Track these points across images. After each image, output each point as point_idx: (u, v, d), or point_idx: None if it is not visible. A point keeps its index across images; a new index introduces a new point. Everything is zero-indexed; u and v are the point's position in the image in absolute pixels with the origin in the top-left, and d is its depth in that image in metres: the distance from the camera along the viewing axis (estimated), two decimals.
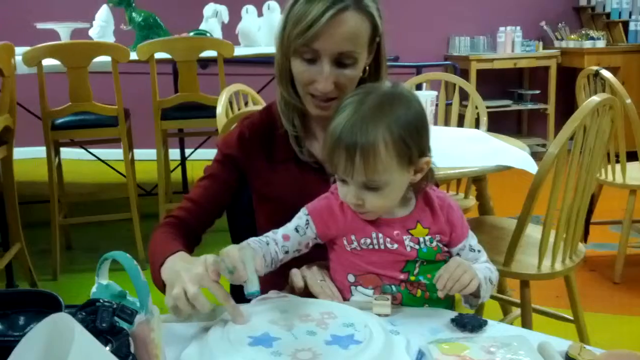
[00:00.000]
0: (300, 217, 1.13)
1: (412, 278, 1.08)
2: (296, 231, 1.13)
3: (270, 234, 1.13)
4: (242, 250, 0.99)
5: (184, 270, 1.03)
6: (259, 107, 1.31)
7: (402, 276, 1.08)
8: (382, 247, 1.08)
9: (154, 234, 1.27)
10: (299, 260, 1.17)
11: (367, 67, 1.23)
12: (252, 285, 0.96)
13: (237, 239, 1.47)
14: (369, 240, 1.09)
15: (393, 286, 1.09)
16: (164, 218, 1.31)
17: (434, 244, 1.10)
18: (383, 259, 1.08)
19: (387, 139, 1.02)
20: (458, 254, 1.13)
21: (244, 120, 1.33)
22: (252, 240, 1.10)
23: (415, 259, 1.08)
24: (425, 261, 1.09)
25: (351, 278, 1.11)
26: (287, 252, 1.13)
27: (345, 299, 1.11)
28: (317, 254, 1.17)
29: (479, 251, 1.15)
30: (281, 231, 1.13)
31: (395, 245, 1.08)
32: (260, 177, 1.29)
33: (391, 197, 1.07)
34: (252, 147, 1.29)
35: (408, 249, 1.08)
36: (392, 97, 1.07)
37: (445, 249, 1.12)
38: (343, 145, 1.02)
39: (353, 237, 1.09)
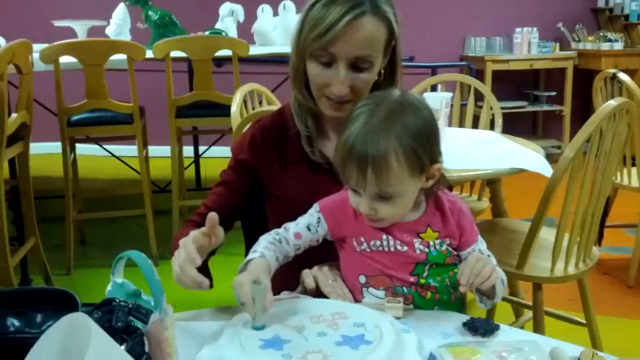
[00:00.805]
0: (312, 215, 1.14)
1: (422, 281, 1.09)
2: (308, 229, 1.14)
3: (281, 231, 1.14)
4: (254, 286, 0.98)
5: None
6: (273, 107, 1.32)
7: (411, 279, 1.09)
8: (392, 249, 1.09)
9: (176, 235, 1.29)
10: (311, 262, 1.17)
11: (382, 71, 1.24)
12: (259, 321, 0.97)
13: (249, 239, 1.47)
14: (378, 242, 1.09)
15: (404, 287, 1.09)
16: (183, 222, 1.33)
17: (444, 247, 1.10)
18: (393, 261, 1.09)
19: (398, 151, 1.02)
20: (467, 258, 1.13)
21: (255, 123, 1.34)
22: (265, 241, 1.12)
23: (424, 262, 1.09)
24: (435, 264, 1.10)
25: (362, 279, 1.11)
26: (298, 249, 1.15)
27: (356, 300, 1.12)
28: (328, 254, 1.17)
29: (488, 256, 1.15)
30: (292, 228, 1.14)
31: (405, 248, 1.09)
32: (273, 179, 1.30)
33: (403, 206, 1.08)
34: (264, 149, 1.29)
35: (418, 251, 1.09)
36: (402, 106, 1.07)
37: (455, 252, 1.13)
38: (355, 158, 1.03)
39: (363, 239, 1.10)
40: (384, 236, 1.09)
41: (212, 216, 1.05)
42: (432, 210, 1.13)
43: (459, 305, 1.14)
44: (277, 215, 1.34)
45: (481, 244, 1.15)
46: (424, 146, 1.05)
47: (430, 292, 1.10)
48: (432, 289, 1.10)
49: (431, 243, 1.09)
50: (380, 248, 1.09)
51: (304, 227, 1.14)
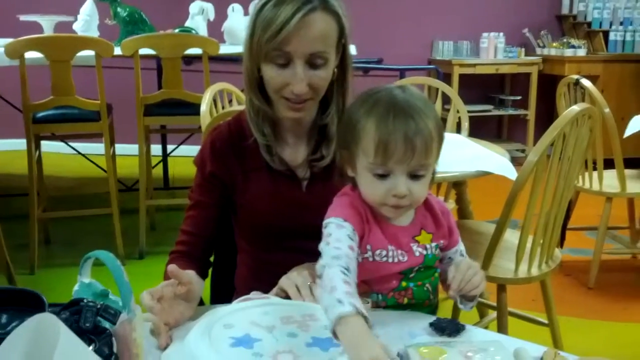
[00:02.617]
0: (344, 226, 1.04)
1: (404, 284, 1.09)
2: (351, 239, 1.03)
3: (338, 255, 0.98)
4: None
5: None
6: (243, 107, 1.32)
7: (394, 281, 1.09)
8: (396, 260, 1.08)
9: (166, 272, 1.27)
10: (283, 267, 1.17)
11: (335, 70, 1.24)
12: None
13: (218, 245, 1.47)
14: (384, 252, 1.08)
15: (380, 295, 1.10)
16: (169, 255, 1.30)
17: (437, 251, 1.12)
18: (390, 271, 1.08)
19: (434, 125, 1.05)
20: (450, 257, 1.15)
21: (213, 131, 1.33)
22: (341, 284, 0.92)
23: (419, 265, 1.09)
24: (424, 267, 1.11)
25: None
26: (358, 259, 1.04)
27: None
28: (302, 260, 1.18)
29: (464, 257, 1.18)
30: (343, 244, 1.00)
31: (405, 257, 1.08)
32: (235, 186, 1.29)
33: (426, 188, 1.09)
34: (224, 156, 1.29)
35: (417, 253, 1.09)
36: (419, 95, 1.10)
37: (439, 252, 1.14)
38: (401, 132, 1.02)
39: (369, 247, 1.08)
40: (390, 246, 1.08)
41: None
42: (422, 212, 1.13)
43: (432, 310, 1.15)
44: (241, 223, 1.34)
45: (461, 245, 1.18)
46: (441, 128, 1.09)
47: (407, 298, 1.11)
48: (409, 294, 1.10)
49: (428, 246, 1.10)
50: (385, 259, 1.08)
51: (347, 238, 1.02)
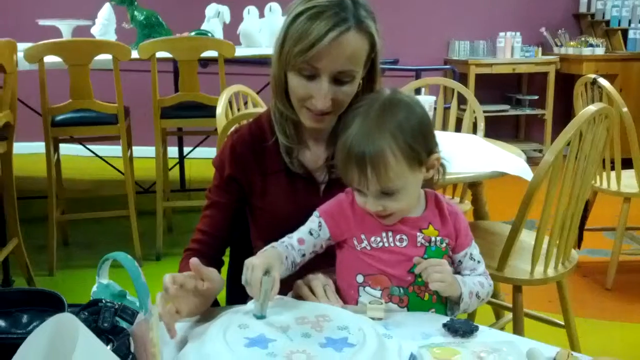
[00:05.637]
0: (313, 221, 1.17)
1: (419, 280, 1.10)
2: (310, 234, 1.16)
3: (286, 239, 1.16)
4: (263, 278, 1.02)
5: None
6: (259, 109, 1.33)
7: (409, 277, 1.10)
8: (392, 244, 1.11)
9: (180, 269, 1.28)
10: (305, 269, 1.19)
11: (361, 81, 1.24)
12: (261, 311, 1.01)
13: (233, 246, 1.48)
14: (379, 239, 1.12)
15: (401, 288, 1.11)
16: (183, 252, 1.32)
17: (444, 244, 1.14)
18: (393, 257, 1.11)
19: (394, 147, 1.06)
20: (460, 261, 1.17)
21: (233, 134, 1.34)
22: (273, 242, 1.15)
23: (422, 257, 1.11)
24: None
25: (360, 278, 1.13)
26: (303, 255, 1.16)
27: (351, 300, 1.13)
28: (321, 261, 1.19)
29: (478, 262, 1.19)
30: (296, 235, 1.16)
31: (405, 243, 1.11)
32: (254, 189, 1.31)
33: (409, 198, 1.11)
34: (244, 160, 1.30)
35: (418, 244, 1.11)
36: (392, 104, 1.10)
37: (450, 253, 1.16)
38: (354, 159, 1.06)
39: (363, 236, 1.12)
40: (384, 233, 1.11)
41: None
42: (432, 209, 1.16)
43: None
44: (258, 225, 1.35)
45: (474, 249, 1.19)
46: (418, 140, 1.08)
47: (428, 294, 1.12)
48: (429, 290, 1.11)
49: (432, 239, 1.13)
50: (380, 244, 1.11)
51: (307, 233, 1.16)
